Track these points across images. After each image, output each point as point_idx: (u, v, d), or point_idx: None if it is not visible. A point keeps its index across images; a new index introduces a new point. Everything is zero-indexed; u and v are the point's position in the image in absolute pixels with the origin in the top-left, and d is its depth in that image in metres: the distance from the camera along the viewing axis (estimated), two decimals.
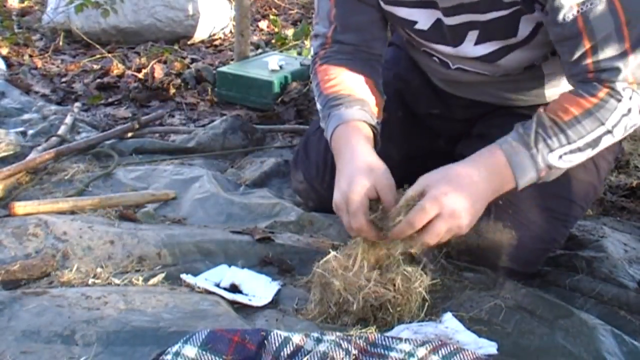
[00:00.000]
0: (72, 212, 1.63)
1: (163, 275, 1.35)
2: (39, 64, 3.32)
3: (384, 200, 1.23)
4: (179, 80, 3.01)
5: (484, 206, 1.23)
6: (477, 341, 1.13)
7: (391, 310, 1.19)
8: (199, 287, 1.28)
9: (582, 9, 1.18)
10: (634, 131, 2.30)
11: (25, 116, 2.51)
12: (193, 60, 3.40)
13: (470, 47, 1.40)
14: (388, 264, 1.24)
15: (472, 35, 1.37)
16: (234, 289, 1.31)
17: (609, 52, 1.20)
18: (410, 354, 0.98)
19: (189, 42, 3.79)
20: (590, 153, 1.26)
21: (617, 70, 1.21)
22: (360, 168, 1.27)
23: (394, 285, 1.18)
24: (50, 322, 1.09)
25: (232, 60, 3.20)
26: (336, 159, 1.35)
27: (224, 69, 2.84)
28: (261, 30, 4.14)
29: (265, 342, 0.98)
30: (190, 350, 0.96)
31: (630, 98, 1.22)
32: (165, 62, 3.25)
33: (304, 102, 2.62)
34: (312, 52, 1.55)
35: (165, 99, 2.87)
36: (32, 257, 1.37)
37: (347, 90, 1.42)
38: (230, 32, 3.92)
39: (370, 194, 1.23)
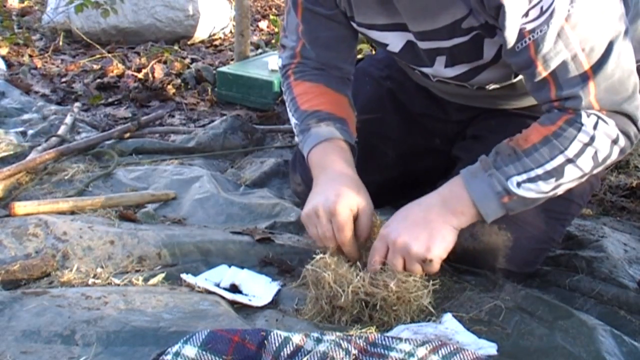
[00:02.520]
0: (72, 212, 1.63)
1: (163, 275, 1.35)
2: (39, 64, 3.32)
3: (360, 222, 1.28)
4: (179, 80, 3.01)
5: (442, 229, 1.22)
6: (477, 342, 1.13)
7: (387, 310, 1.19)
8: (199, 287, 1.28)
9: (532, 36, 1.15)
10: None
11: (25, 116, 2.51)
12: (193, 60, 3.40)
13: (442, 69, 1.40)
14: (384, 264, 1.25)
15: (441, 59, 1.38)
16: (234, 289, 1.31)
17: (568, 80, 1.16)
18: (410, 354, 0.98)
19: (189, 42, 3.79)
20: (555, 184, 1.21)
21: (578, 99, 1.17)
22: (348, 184, 1.30)
23: (387, 286, 1.19)
24: (50, 322, 1.09)
25: (232, 60, 3.20)
26: (317, 172, 1.36)
27: (224, 69, 2.84)
28: (261, 30, 4.14)
29: (265, 342, 0.98)
30: (190, 351, 0.96)
31: (595, 127, 1.18)
32: (165, 62, 3.25)
33: None
34: (280, 63, 1.55)
35: (165, 99, 2.87)
36: (32, 257, 1.37)
37: (327, 108, 1.43)
38: (230, 32, 3.92)
39: (353, 212, 1.28)
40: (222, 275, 1.35)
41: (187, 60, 3.34)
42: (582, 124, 1.18)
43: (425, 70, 1.45)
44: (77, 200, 1.68)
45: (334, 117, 1.41)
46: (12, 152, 2.07)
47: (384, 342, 1.01)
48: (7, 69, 3.23)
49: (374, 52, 2.76)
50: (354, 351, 0.99)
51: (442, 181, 1.33)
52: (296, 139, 1.46)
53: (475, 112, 1.61)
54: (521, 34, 1.16)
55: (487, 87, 1.45)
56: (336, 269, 1.21)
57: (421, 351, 0.99)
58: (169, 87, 2.92)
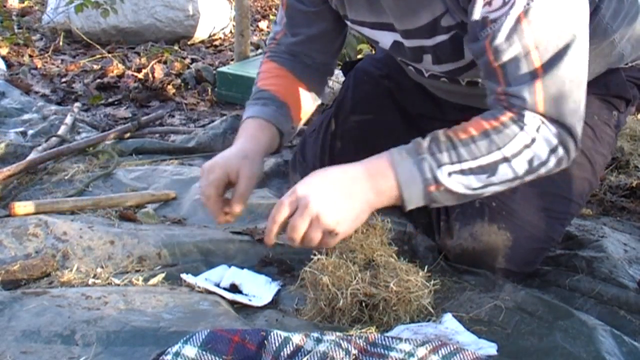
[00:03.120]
0: (72, 212, 1.63)
1: (163, 275, 1.35)
2: (39, 64, 3.32)
3: (238, 186, 1.29)
4: (179, 81, 3.01)
5: (361, 206, 1.15)
6: (477, 342, 1.13)
7: (387, 311, 1.19)
8: (199, 287, 1.28)
9: (492, 27, 1.12)
10: (634, 131, 2.33)
11: (25, 116, 2.51)
12: (193, 60, 3.40)
13: (430, 66, 1.40)
14: (383, 264, 1.24)
15: (427, 57, 1.38)
16: (234, 289, 1.31)
17: (517, 76, 1.13)
18: (410, 354, 0.98)
19: (189, 42, 3.79)
20: (486, 181, 1.15)
21: (524, 98, 1.13)
22: (238, 153, 1.32)
23: (386, 286, 1.18)
24: (50, 322, 1.09)
25: (232, 60, 3.20)
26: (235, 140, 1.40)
27: (224, 69, 2.84)
28: (261, 30, 4.14)
29: (265, 342, 0.98)
30: (190, 351, 0.96)
31: (537, 129, 1.14)
32: (165, 62, 3.25)
33: None
34: (266, 44, 1.60)
35: (165, 99, 2.87)
36: (32, 257, 1.37)
37: (274, 90, 1.46)
38: (230, 32, 3.92)
39: (231, 174, 1.29)
40: (222, 275, 1.35)
41: (187, 60, 3.34)
42: (524, 124, 1.14)
43: (416, 65, 1.46)
44: (77, 200, 1.68)
45: (275, 100, 1.44)
46: (12, 152, 2.07)
47: (384, 342, 1.01)
48: (7, 69, 3.23)
49: (373, 51, 2.76)
50: (354, 351, 0.99)
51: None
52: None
53: (472, 111, 1.61)
54: (484, 22, 1.13)
55: (478, 84, 1.45)
56: (334, 270, 1.21)
57: (421, 351, 0.99)
58: (169, 87, 2.92)
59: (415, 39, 1.33)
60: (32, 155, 1.98)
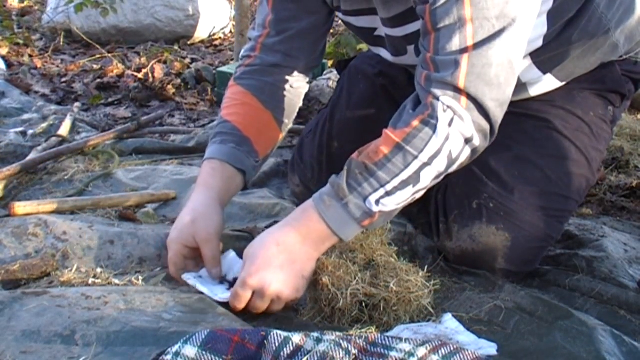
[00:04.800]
0: (72, 212, 1.63)
1: (163, 275, 1.35)
2: (39, 64, 3.33)
3: (201, 249, 1.28)
4: (179, 80, 3.02)
5: (308, 265, 1.20)
6: (477, 342, 1.13)
7: (387, 311, 1.19)
8: (197, 289, 1.27)
9: None
10: (634, 131, 2.33)
11: (25, 116, 2.51)
12: (193, 60, 3.40)
13: (414, 58, 1.40)
14: (383, 264, 1.24)
15: (410, 48, 1.38)
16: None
17: (447, 45, 1.12)
18: (410, 354, 0.98)
19: (189, 42, 3.80)
20: (413, 190, 1.16)
21: (453, 65, 1.11)
22: (186, 218, 1.30)
23: (386, 286, 1.18)
24: (50, 322, 1.09)
25: (232, 60, 3.20)
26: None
27: (224, 69, 2.85)
28: None
29: (265, 342, 0.98)
30: (190, 351, 0.96)
31: (450, 124, 1.13)
32: (165, 62, 3.25)
33: (304, 102, 2.61)
34: (239, 58, 1.55)
35: (165, 99, 2.88)
36: (32, 257, 1.37)
37: (237, 122, 1.43)
38: (230, 32, 3.92)
39: (189, 244, 1.28)
40: (230, 266, 1.33)
41: (187, 60, 3.35)
42: (437, 120, 1.12)
43: (404, 59, 1.45)
44: (77, 200, 1.68)
45: (235, 135, 1.41)
46: (12, 152, 2.07)
47: (384, 342, 1.01)
48: (7, 69, 3.23)
49: None
50: (354, 351, 0.99)
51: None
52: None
53: None
54: None
55: None
56: (334, 270, 1.21)
57: (421, 351, 0.99)
58: (169, 87, 2.93)
59: (403, 25, 1.32)
60: (32, 155, 1.98)
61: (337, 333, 1.03)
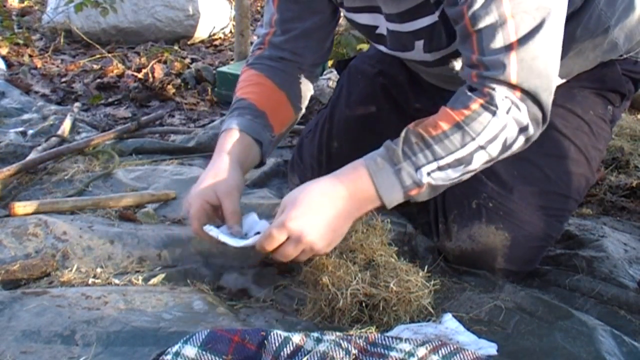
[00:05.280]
0: (72, 212, 1.63)
1: (163, 275, 1.35)
2: (39, 64, 3.33)
3: (222, 205, 1.26)
4: (179, 80, 3.02)
5: (346, 223, 1.20)
6: (477, 342, 1.13)
7: (387, 311, 1.19)
8: (219, 240, 1.24)
9: None
10: (634, 131, 2.33)
11: (25, 116, 2.51)
12: (193, 60, 3.40)
13: (422, 54, 1.40)
14: (383, 264, 1.24)
15: (419, 44, 1.38)
16: None
17: (492, 45, 1.14)
18: (410, 354, 0.98)
19: (189, 42, 3.80)
20: (463, 170, 1.18)
21: (502, 67, 1.13)
22: (208, 174, 1.30)
23: (386, 286, 1.18)
24: (50, 322, 1.09)
25: (232, 60, 3.20)
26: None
27: (224, 69, 2.84)
28: None
29: (265, 342, 0.98)
30: (190, 351, 0.96)
31: (508, 111, 1.15)
32: (165, 62, 3.25)
33: None
34: (250, 52, 1.57)
35: (165, 99, 2.88)
36: (32, 257, 1.37)
37: (252, 99, 1.43)
38: (230, 32, 3.92)
39: (210, 200, 1.26)
40: (251, 225, 1.31)
41: (187, 60, 3.35)
42: (496, 108, 1.15)
43: (409, 55, 1.45)
44: (77, 200, 1.68)
45: (252, 109, 1.42)
46: (12, 152, 2.07)
47: (384, 342, 1.01)
48: (7, 69, 3.23)
49: None
50: (354, 351, 0.99)
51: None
52: None
53: None
54: None
55: None
56: (334, 270, 1.21)
57: (421, 351, 0.99)
58: (169, 87, 2.93)
59: (412, 20, 1.32)
60: (32, 155, 1.97)
61: (337, 333, 1.03)
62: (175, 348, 0.97)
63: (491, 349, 1.11)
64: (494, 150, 1.18)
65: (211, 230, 1.24)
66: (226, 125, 1.40)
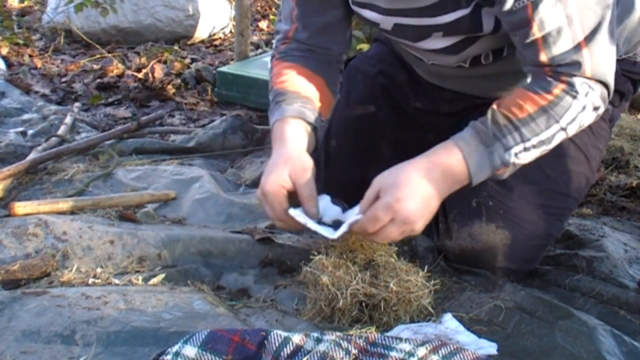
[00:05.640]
0: (72, 212, 1.63)
1: (163, 275, 1.35)
2: (39, 64, 3.33)
3: (297, 188, 1.25)
4: (179, 80, 3.01)
5: (438, 204, 1.23)
6: (477, 341, 1.13)
7: (387, 310, 1.19)
8: (306, 226, 1.22)
9: None
10: (634, 131, 2.33)
11: (25, 116, 2.51)
12: (193, 60, 3.40)
13: (432, 42, 1.40)
14: (383, 264, 1.24)
15: (437, 34, 1.38)
16: (336, 224, 1.26)
17: (561, 45, 1.18)
18: (410, 354, 0.98)
19: (189, 42, 3.79)
20: (543, 148, 1.25)
21: (577, 64, 1.19)
22: (278, 160, 1.29)
23: (386, 286, 1.18)
24: (50, 322, 1.09)
25: (232, 60, 3.20)
26: (273, 148, 1.37)
27: (224, 69, 2.84)
28: (261, 30, 4.14)
29: (265, 342, 0.98)
30: (190, 351, 0.96)
31: (587, 94, 1.21)
32: (165, 62, 3.25)
33: None
34: (273, 46, 1.56)
35: (165, 99, 2.88)
36: (32, 257, 1.37)
37: (293, 87, 1.43)
38: (230, 32, 3.92)
39: (285, 184, 1.25)
40: (326, 209, 1.29)
41: (187, 60, 3.34)
42: (577, 92, 1.20)
43: (415, 44, 1.45)
44: (77, 200, 1.68)
45: (297, 96, 1.41)
46: (12, 152, 2.07)
47: (384, 342, 1.01)
48: (7, 69, 3.23)
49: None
50: (354, 351, 0.99)
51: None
52: (269, 116, 1.47)
53: (467, 103, 1.61)
54: None
55: (481, 60, 1.44)
56: (334, 270, 1.21)
57: (421, 351, 0.99)
58: (169, 87, 2.93)
59: (427, 17, 1.33)
60: (32, 155, 1.98)
61: (337, 333, 1.03)
62: (175, 348, 0.97)
63: (491, 348, 1.11)
64: (572, 130, 1.24)
65: (299, 216, 1.22)
66: (278, 115, 1.39)
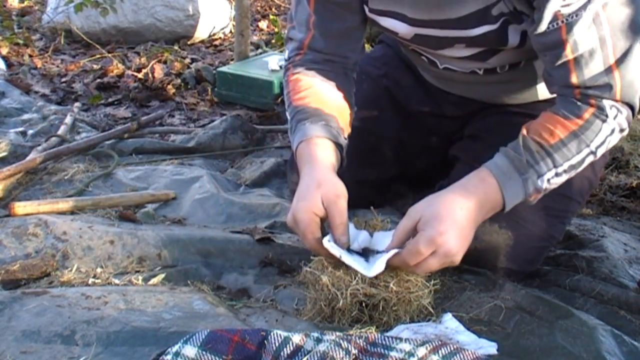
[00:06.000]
0: (72, 212, 1.63)
1: (163, 275, 1.35)
2: (39, 64, 3.32)
3: (329, 215, 1.22)
4: (178, 80, 3.01)
5: (475, 230, 1.23)
6: (477, 341, 1.13)
7: (387, 310, 1.19)
8: (340, 259, 1.19)
9: (567, 20, 1.17)
10: (634, 131, 2.33)
11: (25, 116, 2.51)
12: (193, 60, 3.40)
13: (454, 51, 1.40)
14: None
15: (460, 45, 1.38)
16: (366, 252, 1.25)
17: (593, 67, 1.19)
18: (410, 354, 0.98)
19: (189, 42, 3.79)
20: (573, 172, 1.25)
21: (608, 87, 1.20)
22: (310, 185, 1.25)
23: (386, 286, 1.18)
24: (50, 322, 1.09)
25: (232, 60, 3.20)
26: (300, 171, 1.33)
27: (224, 69, 2.84)
28: (261, 30, 4.14)
29: (265, 342, 0.98)
30: (190, 351, 0.96)
31: (615, 117, 1.22)
32: (165, 62, 3.25)
33: None
34: (286, 56, 1.51)
35: (165, 99, 2.87)
36: (32, 257, 1.37)
37: (315, 103, 1.39)
38: (230, 32, 3.92)
39: (318, 212, 1.22)
40: (353, 236, 1.27)
41: (187, 60, 3.34)
42: (607, 116, 1.21)
43: (440, 52, 1.43)
44: (77, 200, 1.68)
45: (320, 114, 1.38)
46: (5, 154, 2.06)
47: (384, 342, 1.01)
48: (7, 69, 3.23)
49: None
50: (354, 351, 0.99)
51: (443, 182, 1.30)
52: (289, 135, 1.44)
53: (472, 107, 1.61)
54: (554, 16, 1.17)
55: (497, 69, 1.44)
56: (334, 270, 1.21)
57: (421, 351, 0.99)
58: (169, 87, 2.92)
59: (453, 29, 1.32)
60: (32, 155, 1.97)
61: (337, 333, 1.03)
62: (175, 348, 0.97)
63: (491, 348, 1.11)
64: (600, 152, 1.25)
65: (333, 248, 1.19)
66: (302, 135, 1.35)
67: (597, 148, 1.24)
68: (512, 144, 1.25)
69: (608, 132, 1.23)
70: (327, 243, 1.19)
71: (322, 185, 1.23)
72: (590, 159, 1.25)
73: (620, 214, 1.91)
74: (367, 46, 3.01)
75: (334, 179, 1.27)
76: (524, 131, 1.25)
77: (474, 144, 1.55)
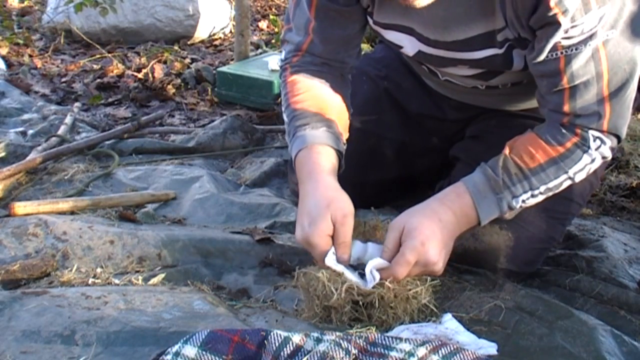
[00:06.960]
0: (72, 212, 1.63)
1: (163, 275, 1.35)
2: (39, 64, 3.32)
3: (334, 232, 1.22)
4: (179, 80, 3.01)
5: (452, 242, 1.27)
6: (477, 342, 1.13)
7: (385, 309, 1.19)
8: (343, 275, 1.21)
9: (566, 52, 1.18)
10: (634, 131, 2.33)
11: (25, 116, 2.51)
12: (193, 60, 3.40)
13: (456, 70, 1.40)
14: None
15: (463, 66, 1.38)
16: (361, 265, 1.26)
17: (587, 98, 1.21)
18: (410, 354, 0.98)
19: (189, 42, 3.79)
20: (550, 194, 1.29)
21: (597, 116, 1.22)
22: (320, 205, 1.24)
23: (382, 284, 1.18)
24: (50, 322, 1.09)
25: (232, 60, 3.20)
26: (301, 179, 1.33)
27: (224, 69, 2.84)
28: (261, 30, 4.14)
29: (265, 342, 0.98)
30: (190, 350, 0.96)
31: (597, 148, 1.25)
32: (165, 62, 3.25)
33: None
34: (282, 56, 1.50)
35: (165, 99, 2.87)
36: (32, 257, 1.37)
37: (315, 107, 1.39)
38: (230, 32, 3.92)
39: (331, 233, 1.23)
40: (360, 251, 1.27)
41: (187, 60, 3.34)
42: (589, 147, 1.24)
43: (444, 69, 1.44)
44: (77, 200, 1.68)
45: (320, 119, 1.37)
46: (4, 154, 2.07)
47: (384, 342, 1.01)
48: (7, 69, 3.23)
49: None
50: (354, 351, 0.99)
51: (443, 182, 1.31)
52: (286, 137, 1.43)
53: (473, 111, 1.61)
54: (554, 47, 1.18)
55: (498, 86, 1.44)
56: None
57: (421, 351, 0.99)
58: (169, 87, 2.92)
59: (457, 51, 1.32)
60: (32, 155, 1.97)
61: (337, 333, 1.03)
62: (175, 348, 0.97)
63: (491, 348, 1.11)
64: (579, 177, 1.29)
65: (337, 266, 1.21)
66: (303, 142, 1.34)
67: (575, 174, 1.27)
68: (492, 162, 1.28)
69: (588, 161, 1.26)
70: (330, 261, 1.22)
71: (331, 204, 1.24)
72: (568, 182, 1.28)
73: (620, 214, 1.91)
74: (367, 46, 3.01)
75: (342, 196, 1.27)
76: (507, 150, 1.28)
77: (475, 144, 1.56)
